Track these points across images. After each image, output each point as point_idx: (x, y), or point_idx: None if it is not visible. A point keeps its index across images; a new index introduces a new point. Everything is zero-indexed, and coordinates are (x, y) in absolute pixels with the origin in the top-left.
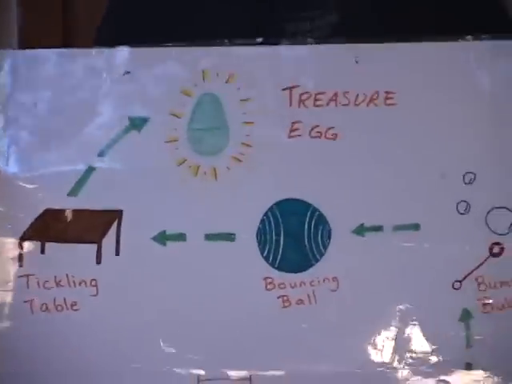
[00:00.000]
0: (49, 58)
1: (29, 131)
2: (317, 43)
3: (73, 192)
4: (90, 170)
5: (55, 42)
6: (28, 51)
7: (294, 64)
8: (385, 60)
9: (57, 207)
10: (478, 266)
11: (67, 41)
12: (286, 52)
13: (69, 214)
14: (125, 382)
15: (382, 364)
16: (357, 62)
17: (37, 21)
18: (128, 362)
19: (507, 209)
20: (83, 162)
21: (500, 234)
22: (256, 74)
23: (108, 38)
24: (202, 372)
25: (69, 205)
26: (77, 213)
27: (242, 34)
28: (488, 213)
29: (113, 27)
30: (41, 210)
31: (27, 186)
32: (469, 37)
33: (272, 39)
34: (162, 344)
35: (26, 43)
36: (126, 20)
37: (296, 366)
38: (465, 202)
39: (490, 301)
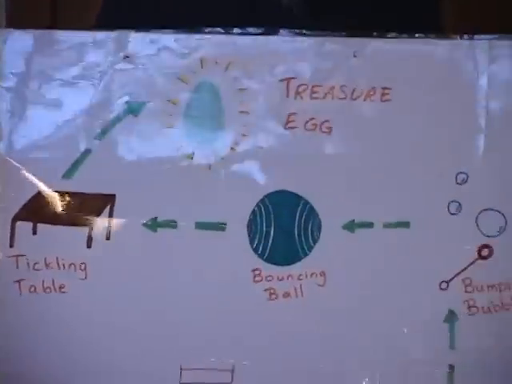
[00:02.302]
0: (48, 39)
1: (25, 112)
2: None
3: (67, 174)
4: (86, 152)
5: (43, 19)
6: (27, 31)
7: (293, 55)
8: (383, 55)
9: (51, 189)
10: (466, 268)
11: (55, 18)
12: (284, 43)
13: (62, 197)
14: (111, 365)
15: (364, 361)
16: (355, 57)
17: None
18: (114, 346)
19: (498, 211)
20: (79, 144)
21: (490, 237)
22: (254, 64)
23: (108, 20)
24: (184, 360)
25: (63, 187)
26: (70, 195)
27: (238, 7)
28: (479, 214)
29: (113, 11)
30: (35, 191)
31: (22, 166)
32: (467, 36)
33: (272, 29)
34: (147, 329)
35: (14, 20)
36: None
37: (279, 358)
38: (456, 202)
39: (476, 303)
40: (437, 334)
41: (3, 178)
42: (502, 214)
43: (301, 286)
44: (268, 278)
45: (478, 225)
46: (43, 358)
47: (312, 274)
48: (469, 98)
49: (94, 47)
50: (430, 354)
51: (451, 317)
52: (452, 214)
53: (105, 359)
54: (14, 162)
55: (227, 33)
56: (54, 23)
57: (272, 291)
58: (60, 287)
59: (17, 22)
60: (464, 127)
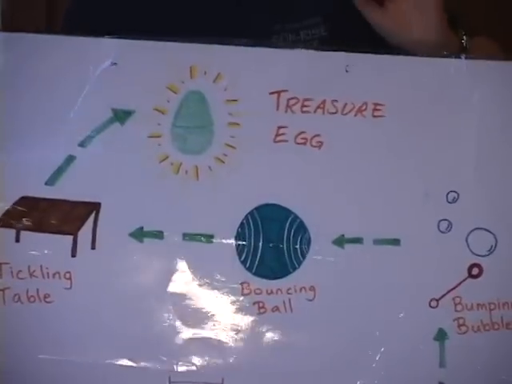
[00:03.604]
0: (34, 43)
1: (8, 116)
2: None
3: (51, 181)
4: (70, 159)
5: (39, 21)
6: (13, 34)
7: (284, 68)
8: (376, 71)
9: (34, 195)
10: (456, 287)
11: (51, 24)
12: (276, 55)
13: (45, 204)
14: (96, 376)
15: (354, 377)
16: (347, 71)
17: (21, 5)
18: (99, 357)
19: (488, 231)
20: (63, 150)
21: (480, 256)
22: (244, 76)
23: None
24: (173, 372)
25: (46, 194)
26: (54, 202)
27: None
28: (469, 233)
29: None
30: (17, 197)
31: (4, 171)
32: (462, 55)
33: (263, 40)
34: (134, 341)
35: (10, 22)
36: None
37: (267, 372)
38: (446, 220)
39: (466, 322)
40: (427, 352)
41: None
42: (493, 234)
43: (290, 300)
44: (257, 291)
45: (468, 244)
46: (28, 369)
47: (301, 289)
48: (461, 116)
49: (81, 53)
50: (420, 372)
51: (441, 335)
52: (442, 232)
53: (92, 370)
54: None
55: (217, 42)
56: (50, 26)
57: (261, 305)
58: (45, 296)
59: (13, 23)
60: (456, 146)
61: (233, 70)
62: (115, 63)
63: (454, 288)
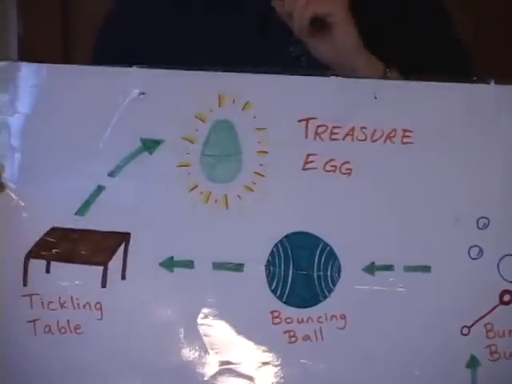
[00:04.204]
0: (62, 73)
1: (38, 147)
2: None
3: (81, 211)
4: (100, 189)
5: (55, 52)
6: (40, 65)
7: (312, 95)
8: (404, 98)
9: (64, 226)
10: (488, 313)
11: (66, 50)
12: (304, 83)
13: (76, 234)
14: None
15: None
16: (376, 98)
17: (36, 30)
18: None
19: None
20: (93, 180)
21: (511, 282)
22: (273, 104)
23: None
24: None
25: (76, 224)
26: (84, 233)
27: (246, 54)
28: (500, 259)
29: (115, 45)
30: (47, 228)
31: (34, 202)
32: (491, 80)
33: (290, 68)
34: (164, 371)
35: (26, 52)
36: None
37: None
38: (477, 246)
39: (498, 349)
40: (459, 380)
41: (15, 214)
42: None
43: (321, 328)
44: (287, 320)
45: (499, 270)
46: None
47: (332, 317)
48: (490, 142)
49: (109, 82)
50: None
51: (473, 362)
52: (473, 258)
53: None
54: (27, 198)
55: (245, 71)
56: (66, 60)
57: (292, 333)
58: (76, 328)
59: (29, 56)
60: (485, 172)
61: (261, 98)
62: (143, 93)
63: (485, 315)
